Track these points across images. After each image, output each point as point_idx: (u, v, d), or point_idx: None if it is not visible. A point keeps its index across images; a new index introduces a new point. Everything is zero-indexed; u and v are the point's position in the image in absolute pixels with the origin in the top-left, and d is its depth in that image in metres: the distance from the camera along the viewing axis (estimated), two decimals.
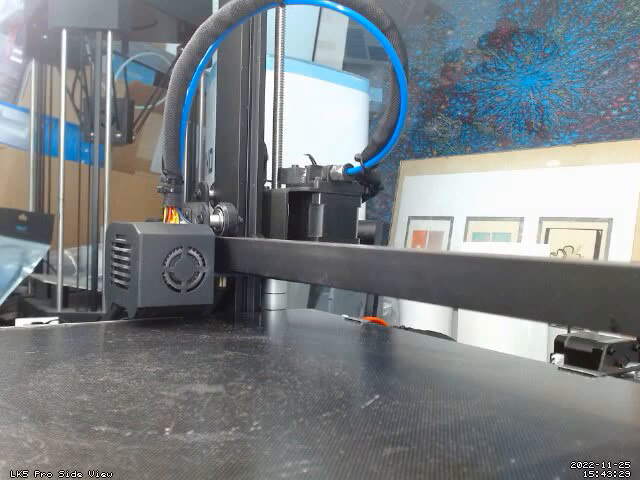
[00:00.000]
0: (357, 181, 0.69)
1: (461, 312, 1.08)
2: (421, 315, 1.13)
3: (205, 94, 1.46)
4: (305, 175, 0.69)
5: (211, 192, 0.74)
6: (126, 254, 0.58)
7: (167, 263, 0.57)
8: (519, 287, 0.32)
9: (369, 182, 0.70)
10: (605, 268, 0.29)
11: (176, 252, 0.57)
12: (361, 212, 1.65)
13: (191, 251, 0.58)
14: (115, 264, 0.61)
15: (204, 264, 0.59)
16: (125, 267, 0.58)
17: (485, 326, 0.99)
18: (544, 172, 1.24)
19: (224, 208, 0.67)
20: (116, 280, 0.61)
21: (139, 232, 0.56)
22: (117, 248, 0.61)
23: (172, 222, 0.64)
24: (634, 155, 1.10)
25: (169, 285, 0.57)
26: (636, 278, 0.27)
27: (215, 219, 0.67)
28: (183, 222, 0.64)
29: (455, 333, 1.09)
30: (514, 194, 1.28)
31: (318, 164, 0.69)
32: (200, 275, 0.59)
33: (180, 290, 0.58)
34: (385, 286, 0.41)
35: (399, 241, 1.52)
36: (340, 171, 0.66)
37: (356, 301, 1.27)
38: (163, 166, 0.63)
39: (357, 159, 0.65)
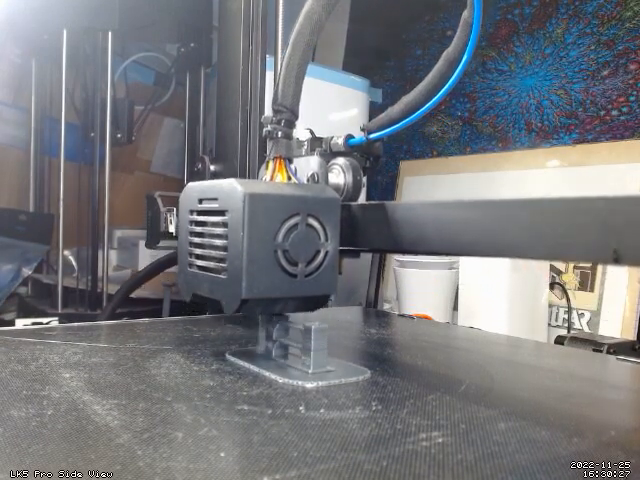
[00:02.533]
0: (357, 153, 0.65)
1: (461, 313, 1.08)
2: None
3: (205, 94, 1.46)
4: (305, 147, 0.66)
5: (212, 167, 0.71)
6: (220, 225, 0.42)
7: (280, 237, 0.41)
8: (523, 227, 0.33)
9: (370, 155, 0.65)
10: (606, 200, 0.29)
11: (292, 221, 0.41)
12: None
13: (311, 220, 0.42)
14: (197, 240, 0.45)
15: (327, 239, 0.43)
16: (218, 243, 0.42)
17: (485, 326, 0.99)
18: (544, 172, 1.24)
19: (343, 162, 0.51)
20: (200, 263, 0.45)
21: (243, 190, 0.40)
22: (202, 218, 0.45)
23: (279, 180, 0.47)
24: (634, 155, 1.10)
25: (283, 268, 0.41)
26: (638, 208, 0.27)
27: (335, 179, 0.51)
28: (294, 181, 0.47)
29: None
30: (514, 194, 1.28)
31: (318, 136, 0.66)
32: (322, 254, 0.43)
33: (297, 275, 0.42)
34: None
35: None
36: (341, 142, 0.62)
37: (355, 301, 1.28)
38: (275, 100, 0.47)
39: (362, 129, 0.57)
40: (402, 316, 0.69)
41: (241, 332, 0.59)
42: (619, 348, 0.76)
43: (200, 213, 0.45)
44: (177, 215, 0.67)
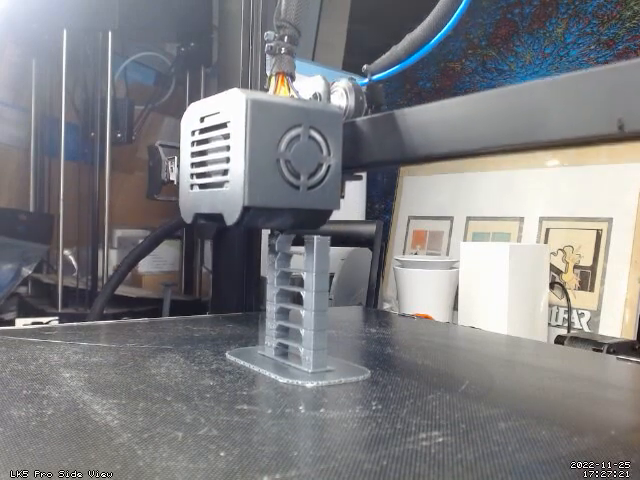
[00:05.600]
0: None
1: (461, 313, 1.08)
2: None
3: (205, 94, 1.46)
4: None
5: None
6: (222, 138, 0.42)
7: (282, 146, 0.40)
8: (527, 111, 0.33)
9: (371, 101, 0.61)
10: (608, 70, 0.29)
11: (294, 131, 0.41)
12: (361, 212, 1.65)
13: (313, 133, 0.42)
14: (198, 160, 0.45)
15: (329, 153, 0.43)
16: (220, 156, 0.42)
17: (485, 326, 0.99)
18: (544, 172, 1.24)
19: (345, 84, 0.50)
20: (201, 181, 0.44)
21: (245, 97, 0.39)
22: (203, 136, 0.44)
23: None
24: (634, 155, 1.10)
25: (285, 179, 0.41)
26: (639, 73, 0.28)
27: (337, 101, 0.50)
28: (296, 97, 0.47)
29: None
30: (514, 194, 1.28)
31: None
32: (324, 168, 0.43)
33: (299, 187, 0.42)
34: None
35: (399, 241, 1.52)
36: None
37: (355, 301, 1.28)
38: (278, 16, 0.46)
39: (365, 71, 0.54)
40: (403, 316, 0.69)
41: (241, 332, 0.59)
42: (619, 348, 0.76)
43: (202, 131, 0.44)
44: (178, 162, 0.66)
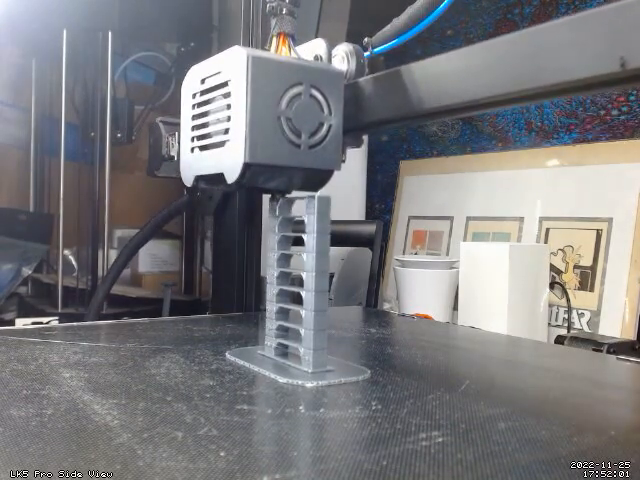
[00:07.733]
0: None
1: (461, 313, 1.08)
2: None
3: None
4: None
5: None
6: (223, 97, 0.42)
7: (283, 104, 0.40)
8: (530, 57, 0.33)
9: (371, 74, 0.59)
10: (608, 11, 0.29)
11: (295, 90, 0.41)
12: (361, 212, 1.64)
13: (314, 92, 0.42)
14: (199, 122, 0.45)
15: (330, 112, 0.43)
16: (221, 116, 0.42)
17: (485, 326, 0.99)
18: (544, 172, 1.24)
19: (346, 48, 0.49)
20: (202, 143, 0.44)
21: (246, 53, 0.39)
22: (204, 97, 0.44)
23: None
24: (634, 155, 1.10)
25: (287, 137, 0.41)
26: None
27: (339, 65, 0.50)
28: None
29: None
30: (514, 194, 1.28)
31: None
32: (325, 128, 0.43)
33: (300, 145, 0.41)
34: None
35: (399, 241, 1.52)
36: None
37: (355, 301, 1.28)
38: None
39: (366, 44, 0.53)
40: (403, 316, 0.69)
41: (241, 332, 0.59)
42: (619, 348, 0.76)
43: (203, 93, 0.44)
44: (179, 138, 0.66)
